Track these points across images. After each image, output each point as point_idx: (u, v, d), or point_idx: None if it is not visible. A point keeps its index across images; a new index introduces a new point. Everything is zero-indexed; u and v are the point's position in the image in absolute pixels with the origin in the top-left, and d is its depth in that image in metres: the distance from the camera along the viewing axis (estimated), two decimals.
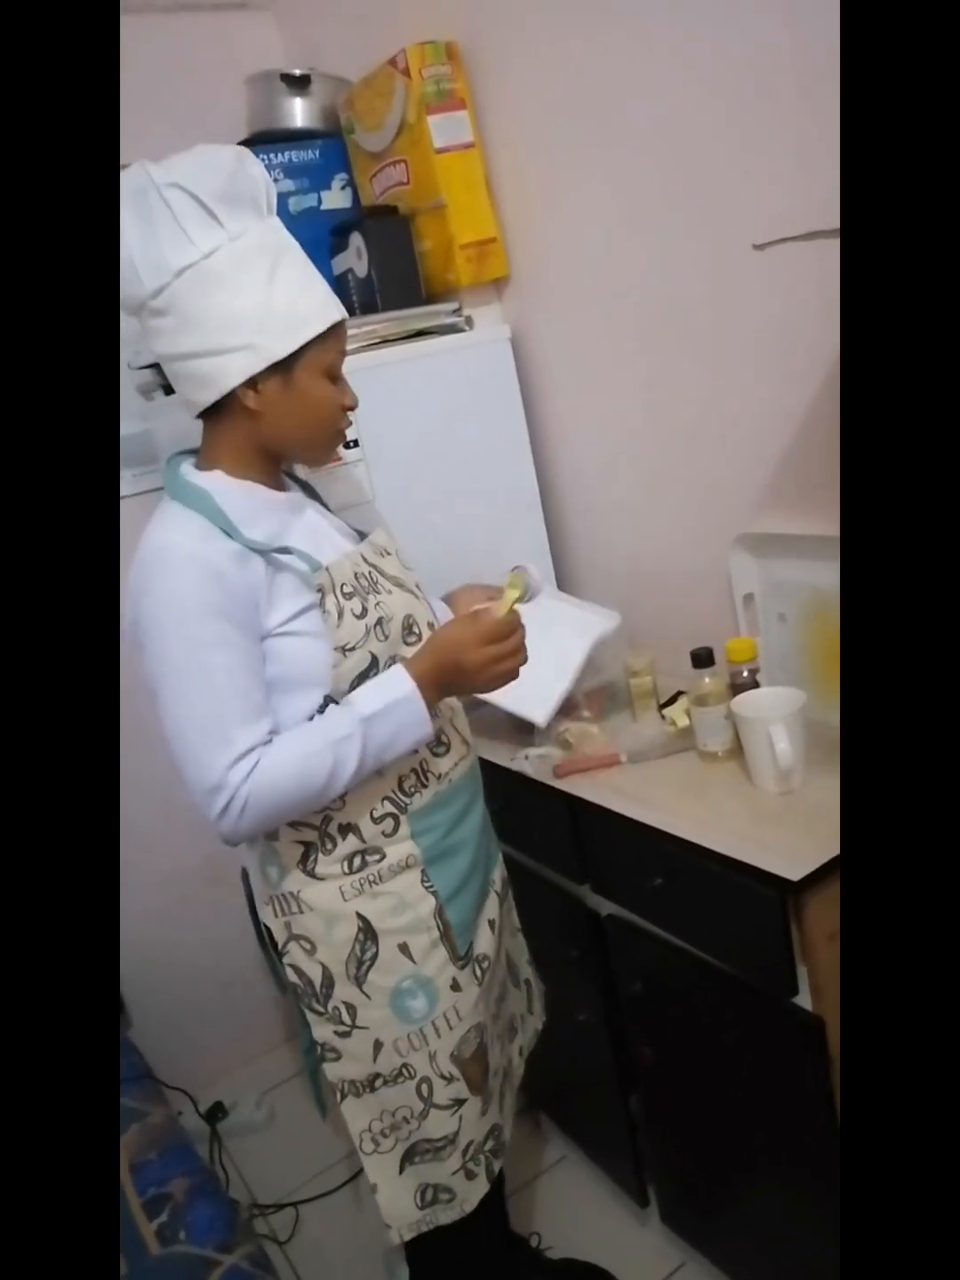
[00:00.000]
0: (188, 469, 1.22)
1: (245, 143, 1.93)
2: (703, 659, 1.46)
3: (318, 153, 2.02)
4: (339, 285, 1.99)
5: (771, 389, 1.49)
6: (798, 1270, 1.41)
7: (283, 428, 1.20)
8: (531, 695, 1.64)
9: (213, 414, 1.20)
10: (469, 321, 1.93)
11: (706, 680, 1.45)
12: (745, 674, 1.47)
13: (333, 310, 1.20)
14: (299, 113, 2.06)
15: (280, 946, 1.29)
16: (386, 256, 1.89)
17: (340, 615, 1.18)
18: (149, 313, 1.16)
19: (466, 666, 1.17)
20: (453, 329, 1.91)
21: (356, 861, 1.24)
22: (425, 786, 1.27)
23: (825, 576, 1.45)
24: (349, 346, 1.79)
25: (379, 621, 1.20)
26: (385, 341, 1.84)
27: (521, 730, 1.67)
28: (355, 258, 1.92)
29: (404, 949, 1.25)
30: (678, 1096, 1.56)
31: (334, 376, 1.22)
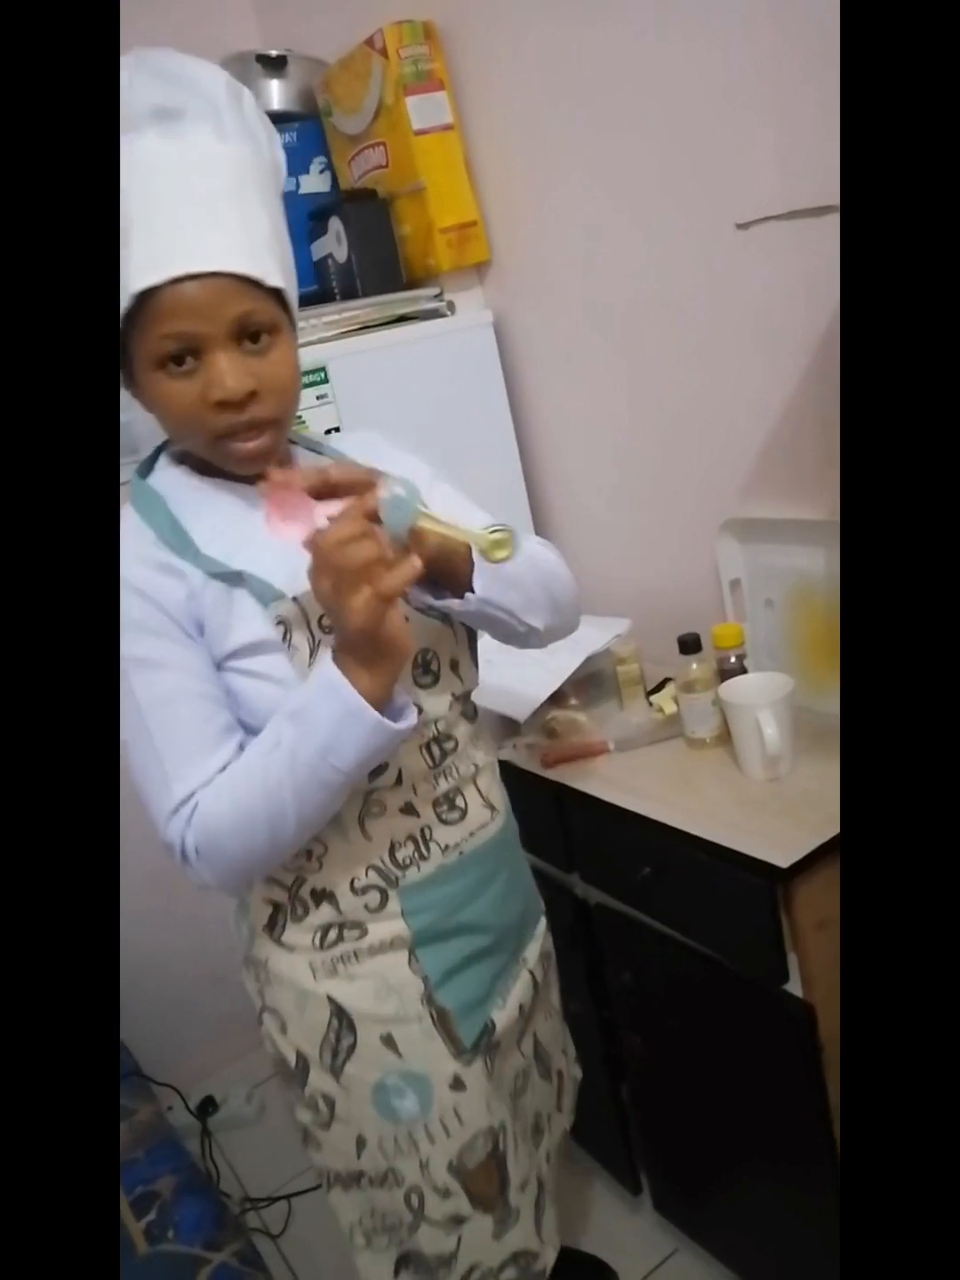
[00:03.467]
0: (163, 461, 1.04)
1: None
2: (690, 645, 1.45)
3: (295, 136, 1.99)
4: (319, 270, 1.96)
5: (757, 373, 1.48)
6: (789, 1256, 1.41)
7: (164, 430, 0.98)
8: (515, 693, 1.63)
9: None
10: (451, 306, 1.91)
11: (694, 667, 1.44)
12: (732, 660, 1.46)
13: (146, 273, 0.86)
14: (276, 95, 2.03)
15: (257, 1012, 1.15)
16: (366, 241, 1.86)
17: (313, 653, 0.94)
18: None
19: (321, 595, 0.86)
20: (434, 314, 1.89)
21: (330, 935, 1.04)
22: (425, 857, 1.05)
23: (812, 561, 1.44)
24: (330, 332, 1.81)
25: None
26: (366, 327, 1.82)
27: (508, 719, 1.66)
28: (335, 242, 1.89)
29: (388, 1041, 1.06)
30: (668, 1085, 1.56)
31: (163, 362, 0.89)
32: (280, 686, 0.94)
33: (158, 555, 0.94)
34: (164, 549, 0.94)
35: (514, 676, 1.67)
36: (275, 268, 0.92)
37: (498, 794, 1.14)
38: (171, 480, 1.01)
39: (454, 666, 1.07)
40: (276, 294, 0.93)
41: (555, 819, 1.54)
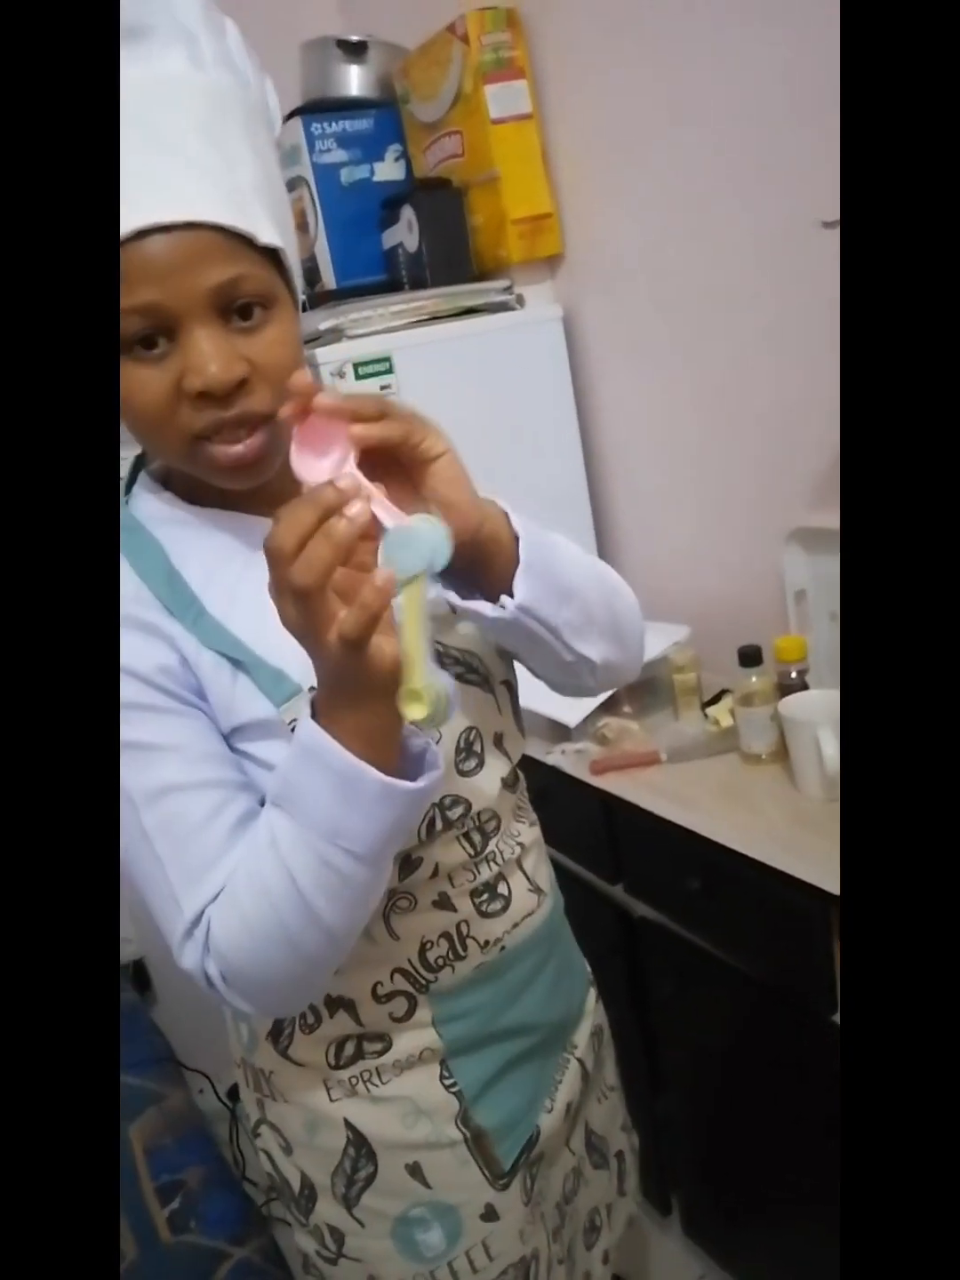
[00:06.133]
0: (143, 482, 0.83)
1: (299, 111, 1.90)
2: (750, 657, 1.41)
3: (371, 122, 1.97)
4: (388, 259, 1.95)
5: (832, 377, 1.42)
6: None
7: (132, 435, 0.76)
8: (567, 698, 1.60)
9: None
10: (520, 300, 1.88)
11: (753, 679, 1.40)
12: (794, 674, 1.41)
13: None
14: (354, 81, 2.02)
15: (252, 1125, 0.98)
16: (437, 230, 1.84)
17: None
18: None
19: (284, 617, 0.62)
20: (503, 307, 1.86)
21: (347, 1049, 0.87)
22: (462, 956, 0.87)
23: None
24: (397, 322, 1.79)
25: None
26: (434, 318, 1.80)
27: (559, 725, 1.63)
28: (406, 231, 1.87)
29: (415, 1171, 0.89)
30: (706, 1105, 1.53)
31: (128, 345, 0.69)
32: None
33: (138, 613, 0.75)
34: (148, 606, 0.76)
35: None
36: (268, 221, 0.72)
37: (544, 873, 0.97)
38: (154, 511, 0.81)
39: (498, 741, 0.90)
40: (272, 256, 0.74)
41: (603, 828, 1.51)
